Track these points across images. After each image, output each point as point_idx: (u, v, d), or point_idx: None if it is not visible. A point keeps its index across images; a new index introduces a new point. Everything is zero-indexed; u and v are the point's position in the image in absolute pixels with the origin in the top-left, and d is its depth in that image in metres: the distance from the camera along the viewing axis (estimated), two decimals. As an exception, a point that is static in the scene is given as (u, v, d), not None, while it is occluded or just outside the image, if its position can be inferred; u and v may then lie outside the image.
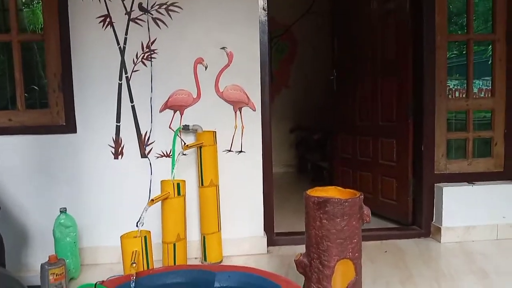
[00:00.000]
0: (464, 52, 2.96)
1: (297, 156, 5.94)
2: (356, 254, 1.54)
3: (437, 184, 2.89)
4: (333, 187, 1.69)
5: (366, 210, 1.55)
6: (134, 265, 1.80)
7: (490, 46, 2.99)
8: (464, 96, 3.00)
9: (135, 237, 1.97)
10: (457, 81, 3.26)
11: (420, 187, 2.96)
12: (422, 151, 2.90)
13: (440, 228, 2.83)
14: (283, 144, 5.82)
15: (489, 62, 2.93)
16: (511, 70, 2.89)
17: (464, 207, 2.83)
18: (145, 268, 1.97)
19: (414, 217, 3.05)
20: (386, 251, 2.71)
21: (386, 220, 3.26)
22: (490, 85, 2.95)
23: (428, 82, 2.85)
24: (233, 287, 1.76)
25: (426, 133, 2.87)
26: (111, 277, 1.91)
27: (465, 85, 2.96)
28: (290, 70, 5.84)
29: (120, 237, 1.97)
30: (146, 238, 1.97)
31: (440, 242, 2.82)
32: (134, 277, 1.74)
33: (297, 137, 5.85)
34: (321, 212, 1.50)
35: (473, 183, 2.88)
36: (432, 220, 2.93)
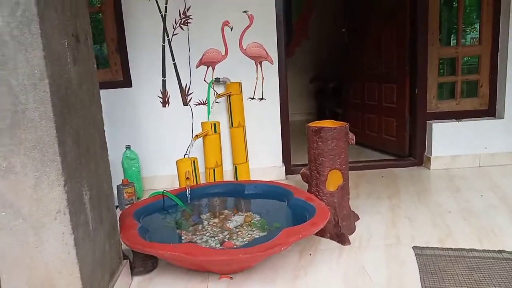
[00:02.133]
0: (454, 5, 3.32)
1: (317, 104, 6.46)
2: (343, 166, 2.16)
3: (429, 121, 3.41)
4: (329, 120, 2.28)
5: (351, 135, 2.14)
6: (188, 179, 2.51)
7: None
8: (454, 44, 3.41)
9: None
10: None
11: (415, 124, 3.49)
12: (416, 94, 3.40)
13: (430, 157, 3.39)
14: (303, 94, 6.33)
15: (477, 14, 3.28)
16: (497, 20, 3.26)
17: (451, 140, 3.35)
18: (195, 183, 2.69)
19: (410, 150, 3.62)
20: (382, 176, 3.32)
21: (388, 155, 3.84)
22: (478, 35, 3.34)
23: (421, 34, 3.28)
24: (258, 193, 2.45)
25: (420, 78, 3.35)
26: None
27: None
28: (309, 22, 6.17)
29: (176, 161, 2.68)
30: (194, 162, 2.67)
31: (429, 169, 3.40)
32: (189, 188, 2.46)
33: (316, 87, 6.34)
34: (317, 137, 2.11)
35: (460, 120, 3.38)
36: (425, 151, 3.49)
